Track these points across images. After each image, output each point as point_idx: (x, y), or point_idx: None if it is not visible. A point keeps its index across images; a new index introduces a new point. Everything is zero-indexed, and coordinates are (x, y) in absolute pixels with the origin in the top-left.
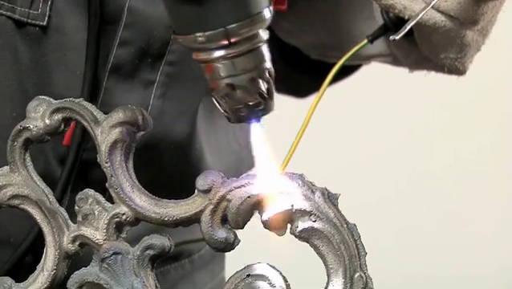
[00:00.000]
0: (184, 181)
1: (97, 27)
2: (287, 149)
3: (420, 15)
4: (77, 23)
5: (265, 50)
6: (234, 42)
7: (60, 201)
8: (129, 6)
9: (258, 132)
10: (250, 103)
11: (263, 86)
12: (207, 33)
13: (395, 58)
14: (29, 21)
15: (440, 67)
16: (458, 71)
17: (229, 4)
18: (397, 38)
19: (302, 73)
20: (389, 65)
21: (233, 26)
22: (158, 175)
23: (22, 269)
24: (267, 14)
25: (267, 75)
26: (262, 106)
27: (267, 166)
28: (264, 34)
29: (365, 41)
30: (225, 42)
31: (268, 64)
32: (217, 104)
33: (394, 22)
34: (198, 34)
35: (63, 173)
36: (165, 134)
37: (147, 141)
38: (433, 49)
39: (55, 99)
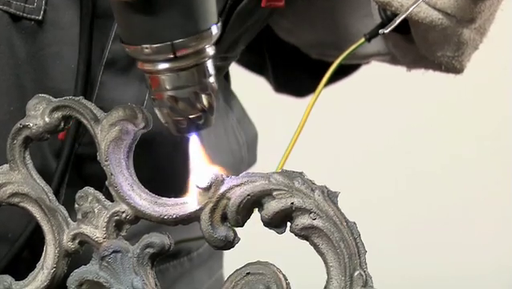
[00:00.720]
0: (183, 177)
1: (89, 19)
2: (285, 148)
3: (411, 9)
4: (72, 18)
5: (210, 65)
6: (180, 56)
7: (56, 195)
8: None
9: (197, 145)
10: (191, 116)
11: (205, 100)
12: (154, 45)
13: (393, 57)
14: (24, 15)
15: (437, 66)
16: (455, 69)
17: (178, 19)
18: (386, 31)
19: (303, 72)
20: (387, 64)
21: (180, 40)
22: (155, 171)
23: (21, 265)
24: (215, 30)
25: (210, 90)
26: (203, 120)
27: (204, 179)
28: (210, 50)
29: (362, 39)
30: (171, 56)
31: (212, 79)
32: (158, 114)
33: (391, 20)
34: (145, 46)
35: (59, 167)
36: (162, 129)
37: (143, 137)
38: (430, 47)
39: (52, 94)
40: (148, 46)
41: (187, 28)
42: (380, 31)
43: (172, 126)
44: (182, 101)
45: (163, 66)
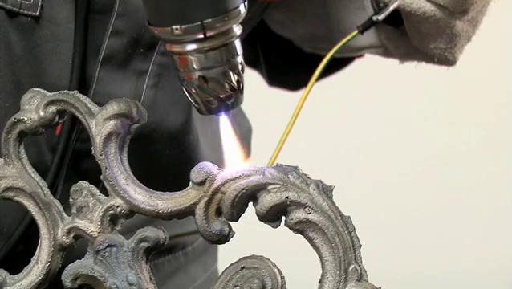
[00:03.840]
0: (179, 171)
1: (84, 14)
2: (277, 142)
3: None
4: (69, 13)
5: (238, 44)
6: (209, 36)
7: (52, 189)
8: None
9: (227, 124)
10: (221, 96)
11: (234, 79)
12: (184, 26)
13: (385, 49)
14: (21, 11)
15: (430, 58)
16: (448, 61)
17: None
18: (380, 18)
19: (296, 66)
20: (380, 56)
21: (210, 20)
22: (151, 165)
23: (16, 259)
24: (242, 9)
25: (239, 68)
26: (233, 99)
27: (236, 158)
28: (238, 29)
29: (355, 32)
30: (201, 36)
31: (240, 58)
32: (187, 95)
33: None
34: (175, 27)
35: (54, 161)
36: (158, 124)
37: (140, 131)
38: (423, 39)
39: (48, 90)
40: (177, 26)
41: (216, 7)
42: (374, 18)
43: (202, 106)
44: (211, 81)
45: (192, 46)
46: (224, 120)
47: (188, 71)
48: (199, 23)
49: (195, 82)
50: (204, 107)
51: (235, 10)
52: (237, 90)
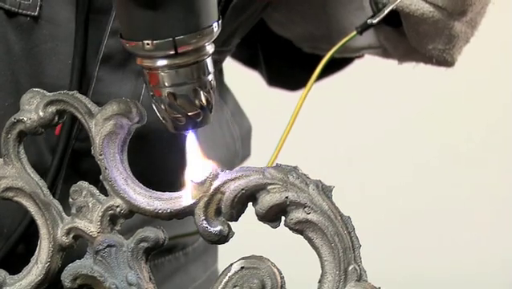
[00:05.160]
0: (178, 172)
1: (85, 15)
2: (277, 142)
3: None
4: (68, 13)
5: (209, 62)
6: (181, 53)
7: (51, 189)
8: None
9: (194, 143)
10: (190, 114)
11: (204, 97)
12: (155, 41)
13: (384, 50)
14: (20, 11)
15: (428, 59)
16: (446, 62)
17: (181, 15)
18: (375, 22)
19: (296, 66)
20: (379, 57)
21: (182, 36)
22: (151, 164)
23: (15, 259)
24: (216, 27)
25: (209, 87)
26: (201, 117)
27: (201, 176)
28: (210, 48)
29: (354, 32)
30: (172, 52)
31: (211, 77)
32: (156, 111)
33: None
34: (146, 42)
35: (54, 162)
36: (157, 123)
37: (139, 131)
38: (421, 40)
39: (47, 90)
40: (149, 42)
41: (189, 24)
42: (369, 21)
43: (169, 123)
44: (181, 98)
45: (163, 62)
46: (191, 138)
47: (158, 87)
48: (170, 39)
49: (164, 98)
50: (171, 124)
51: (208, 29)
52: (206, 108)
